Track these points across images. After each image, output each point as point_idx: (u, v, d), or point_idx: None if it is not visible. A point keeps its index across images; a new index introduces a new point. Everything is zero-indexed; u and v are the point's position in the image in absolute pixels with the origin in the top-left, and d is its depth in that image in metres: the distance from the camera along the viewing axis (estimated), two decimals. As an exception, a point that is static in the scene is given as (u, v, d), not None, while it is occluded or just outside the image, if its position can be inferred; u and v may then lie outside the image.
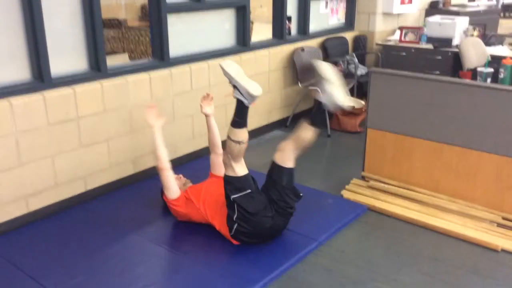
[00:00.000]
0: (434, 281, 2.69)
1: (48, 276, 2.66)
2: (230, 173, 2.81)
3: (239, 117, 2.78)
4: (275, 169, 2.93)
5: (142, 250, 2.92)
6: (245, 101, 2.75)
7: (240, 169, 2.81)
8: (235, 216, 2.81)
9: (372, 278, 2.71)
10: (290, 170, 2.93)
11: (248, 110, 2.79)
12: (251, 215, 2.78)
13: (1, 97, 2.97)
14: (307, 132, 2.91)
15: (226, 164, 2.82)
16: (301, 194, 2.97)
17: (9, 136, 3.01)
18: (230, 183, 2.80)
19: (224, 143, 2.97)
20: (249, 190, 2.78)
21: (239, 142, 2.74)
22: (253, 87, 2.70)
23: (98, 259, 2.83)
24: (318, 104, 2.89)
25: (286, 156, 2.92)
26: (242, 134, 2.76)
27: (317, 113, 2.94)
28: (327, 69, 2.84)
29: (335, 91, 2.80)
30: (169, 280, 2.67)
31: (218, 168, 3.31)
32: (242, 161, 2.84)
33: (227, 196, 2.82)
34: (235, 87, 2.76)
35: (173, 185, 3.11)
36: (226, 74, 2.79)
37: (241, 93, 2.73)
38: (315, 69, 2.84)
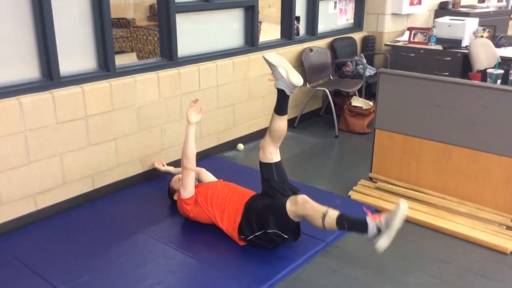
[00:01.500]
0: (442, 284, 2.67)
1: (56, 274, 2.67)
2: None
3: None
4: (263, 168, 3.02)
5: (150, 249, 2.93)
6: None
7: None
8: (252, 237, 2.86)
9: (379, 280, 2.70)
10: (277, 164, 3.01)
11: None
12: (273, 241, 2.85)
13: (10, 96, 2.98)
14: (278, 122, 2.97)
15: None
16: (298, 189, 3.02)
17: (18, 134, 3.03)
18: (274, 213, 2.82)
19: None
20: (286, 236, 2.83)
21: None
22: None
23: (105, 258, 2.84)
24: (279, 92, 2.95)
25: (268, 151, 3.00)
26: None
27: (281, 100, 2.97)
28: (274, 57, 2.95)
29: (287, 73, 2.88)
30: (176, 280, 2.67)
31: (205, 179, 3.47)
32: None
33: (261, 227, 2.83)
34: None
35: (192, 186, 3.12)
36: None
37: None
38: (266, 61, 2.95)
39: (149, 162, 3.85)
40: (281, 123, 2.97)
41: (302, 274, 2.74)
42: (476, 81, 4.29)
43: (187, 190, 3.09)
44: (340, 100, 5.43)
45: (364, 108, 5.05)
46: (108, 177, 3.59)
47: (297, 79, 2.86)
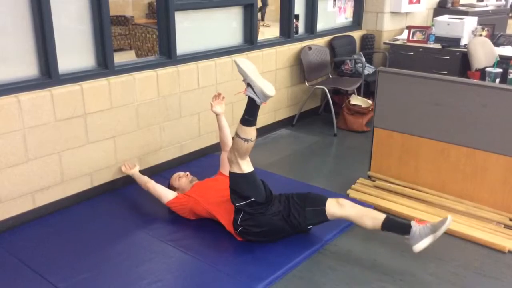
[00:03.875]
0: (440, 282, 2.68)
1: (54, 271, 2.67)
2: (236, 170, 2.81)
3: (250, 115, 2.76)
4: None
5: (148, 247, 2.93)
6: (258, 100, 2.73)
7: (246, 166, 2.81)
8: (239, 219, 2.85)
9: (377, 278, 2.70)
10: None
11: (258, 109, 2.78)
12: (257, 221, 2.83)
13: (9, 93, 2.98)
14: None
15: (232, 161, 2.82)
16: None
17: (16, 132, 3.02)
18: (235, 192, 2.83)
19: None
20: (253, 198, 2.80)
21: (247, 140, 2.74)
22: (268, 87, 2.69)
23: (104, 256, 2.84)
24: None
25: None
26: (251, 132, 2.76)
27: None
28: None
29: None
30: (174, 278, 2.67)
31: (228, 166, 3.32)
32: (248, 159, 2.84)
33: (233, 203, 2.86)
34: (248, 85, 2.74)
35: (163, 191, 3.25)
36: (241, 71, 2.77)
37: (254, 91, 2.71)
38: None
39: (148, 160, 3.85)
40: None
41: (301, 272, 2.75)
42: (475, 80, 4.29)
43: (163, 197, 3.22)
44: (339, 99, 5.43)
45: (363, 106, 5.06)
46: (107, 175, 3.59)
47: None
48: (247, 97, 2.77)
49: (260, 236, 2.89)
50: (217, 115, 3.48)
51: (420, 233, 2.64)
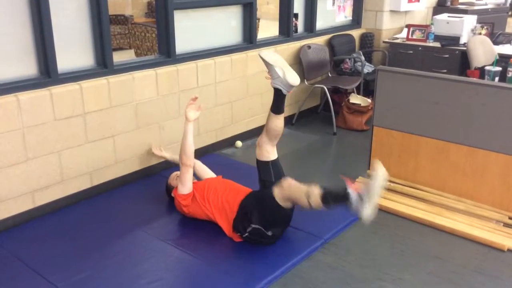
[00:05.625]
0: (440, 281, 2.68)
1: (54, 271, 2.67)
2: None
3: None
4: (260, 166, 3.02)
5: (148, 246, 2.93)
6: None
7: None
8: (247, 230, 2.85)
9: (377, 277, 2.70)
10: (274, 162, 3.01)
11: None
12: (265, 233, 2.84)
13: (8, 93, 2.97)
14: (275, 121, 2.97)
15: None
16: None
17: (16, 132, 3.02)
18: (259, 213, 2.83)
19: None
20: (270, 233, 2.84)
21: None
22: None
23: (103, 255, 2.84)
24: (276, 91, 2.93)
25: (265, 149, 3.00)
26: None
27: (277, 100, 2.96)
28: (270, 55, 2.94)
29: (284, 72, 2.85)
30: (174, 277, 2.67)
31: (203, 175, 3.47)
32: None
33: (248, 221, 2.84)
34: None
35: (190, 182, 3.12)
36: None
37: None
38: (262, 59, 2.93)
39: (147, 159, 3.85)
40: (278, 122, 2.97)
41: (300, 271, 2.75)
42: (474, 79, 4.29)
43: (185, 187, 3.10)
44: (338, 97, 5.43)
45: (362, 105, 5.06)
46: (106, 174, 3.59)
47: (294, 79, 2.84)
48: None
49: (266, 243, 2.91)
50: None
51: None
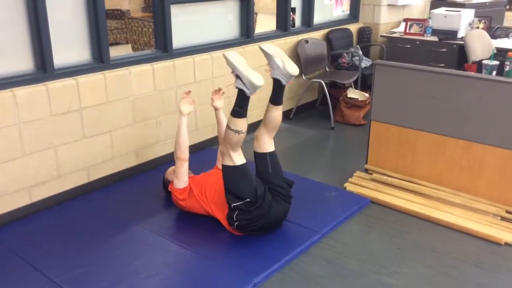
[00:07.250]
0: (437, 274, 2.69)
1: (51, 266, 2.67)
2: (228, 163, 2.85)
3: (240, 107, 2.81)
4: (258, 158, 3.02)
5: (145, 241, 2.93)
6: (247, 91, 2.78)
7: (238, 158, 2.86)
8: (235, 215, 2.85)
9: (374, 271, 2.71)
10: (271, 154, 3.01)
11: (248, 100, 2.82)
12: (254, 215, 2.83)
13: (4, 88, 2.96)
14: (274, 112, 2.99)
15: (224, 154, 2.87)
16: (293, 182, 3.05)
17: (12, 127, 3.01)
18: (231, 192, 2.83)
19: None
20: (248, 199, 2.80)
21: (238, 132, 2.78)
22: (256, 77, 2.74)
23: (100, 250, 2.84)
24: (275, 82, 2.96)
25: (262, 141, 3.01)
26: (241, 124, 2.80)
27: (277, 91, 2.99)
28: (270, 47, 2.97)
29: (283, 63, 2.89)
30: (171, 271, 2.68)
31: None
32: (240, 151, 2.89)
33: (228, 204, 2.86)
34: (237, 76, 2.80)
35: (185, 176, 3.13)
36: (229, 63, 2.85)
37: (243, 83, 2.77)
38: (262, 51, 2.97)
39: (144, 154, 3.84)
40: (276, 113, 2.98)
41: (298, 265, 2.75)
42: (472, 73, 4.29)
43: (181, 181, 3.10)
44: (336, 92, 5.42)
45: (360, 99, 5.05)
46: (103, 170, 3.58)
47: (293, 69, 2.87)
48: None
49: (258, 229, 2.90)
50: (216, 109, 3.47)
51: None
